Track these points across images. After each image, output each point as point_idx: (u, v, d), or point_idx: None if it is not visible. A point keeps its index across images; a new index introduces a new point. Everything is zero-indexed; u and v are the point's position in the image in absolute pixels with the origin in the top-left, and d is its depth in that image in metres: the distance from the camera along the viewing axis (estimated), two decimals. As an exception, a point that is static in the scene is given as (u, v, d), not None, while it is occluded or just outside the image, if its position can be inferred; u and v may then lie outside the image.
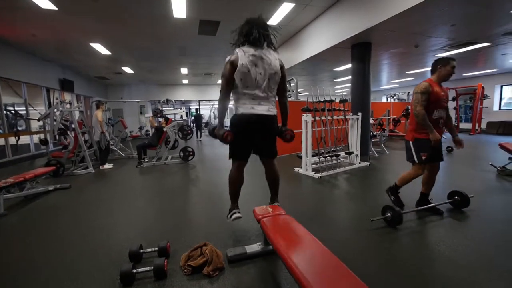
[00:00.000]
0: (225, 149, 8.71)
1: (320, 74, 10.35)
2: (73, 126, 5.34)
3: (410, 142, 2.61)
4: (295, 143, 6.89)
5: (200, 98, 16.26)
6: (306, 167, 4.48)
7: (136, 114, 13.02)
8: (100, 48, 7.08)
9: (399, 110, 8.85)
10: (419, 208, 2.61)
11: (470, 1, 3.54)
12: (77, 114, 7.10)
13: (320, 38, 5.74)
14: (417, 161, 2.55)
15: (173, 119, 6.30)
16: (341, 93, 18.69)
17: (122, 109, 12.39)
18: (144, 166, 5.64)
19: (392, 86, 14.87)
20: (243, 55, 1.79)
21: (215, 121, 2.26)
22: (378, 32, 4.57)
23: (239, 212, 2.09)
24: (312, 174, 4.32)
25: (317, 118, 4.45)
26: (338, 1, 4.82)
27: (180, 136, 5.81)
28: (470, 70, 9.80)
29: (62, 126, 5.37)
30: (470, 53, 6.63)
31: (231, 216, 2.07)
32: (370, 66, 5.18)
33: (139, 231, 2.42)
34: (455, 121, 11.10)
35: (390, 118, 7.92)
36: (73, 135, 5.59)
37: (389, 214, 2.35)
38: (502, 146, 4.08)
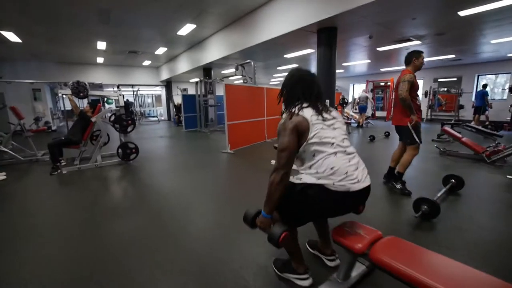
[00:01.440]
0: (167, 142, 7.37)
1: (264, 61, 10.00)
2: None
3: (410, 126, 2.74)
4: (258, 131, 6.46)
5: (120, 82, 13.45)
6: (288, 160, 4.05)
7: (28, 101, 9.55)
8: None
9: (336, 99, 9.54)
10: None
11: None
12: None
13: (283, 20, 5.27)
14: (419, 142, 2.75)
15: (102, 107, 4.72)
16: (277, 82, 19.08)
17: (3, 94, 8.84)
18: (64, 172, 4.00)
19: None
20: (308, 110, 1.29)
21: (252, 209, 1.44)
22: (348, 17, 4.44)
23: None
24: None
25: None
26: (311, -23, 4.44)
27: (118, 128, 4.36)
28: (386, 66, 11.49)
29: None
30: (399, 50, 7.57)
31: (300, 279, 1.47)
32: (336, 52, 5.11)
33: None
34: (372, 110, 12.96)
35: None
36: None
37: (426, 207, 2.17)
38: (445, 131, 4.70)
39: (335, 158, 1.22)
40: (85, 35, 7.43)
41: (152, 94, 19.58)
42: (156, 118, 16.59)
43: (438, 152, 4.79)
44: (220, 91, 11.25)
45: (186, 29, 7.24)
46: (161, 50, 9.88)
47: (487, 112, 8.77)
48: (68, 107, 10.02)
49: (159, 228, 2.18)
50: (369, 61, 9.92)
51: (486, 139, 5.68)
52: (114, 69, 12.90)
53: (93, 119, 4.27)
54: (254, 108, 6.23)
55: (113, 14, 5.91)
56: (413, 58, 2.73)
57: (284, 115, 1.34)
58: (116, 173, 4.03)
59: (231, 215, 2.40)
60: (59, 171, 4.01)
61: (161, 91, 16.81)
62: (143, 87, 15.00)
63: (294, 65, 10.77)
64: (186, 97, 9.92)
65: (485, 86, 8.95)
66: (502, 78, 10.79)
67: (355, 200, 1.29)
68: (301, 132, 1.24)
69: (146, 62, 12.44)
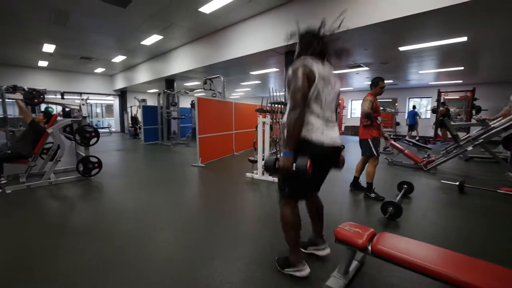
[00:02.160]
0: (128, 155, 6.97)
1: (228, 76, 10.22)
2: None
3: (369, 140, 3.20)
4: (227, 145, 6.49)
5: (65, 89, 12.10)
6: (263, 172, 4.23)
7: None
8: None
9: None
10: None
11: (383, 31, 4.48)
12: None
13: (254, 40, 5.61)
14: (376, 155, 3.18)
15: (59, 117, 4.25)
16: (237, 97, 19.39)
17: None
18: (9, 191, 3.44)
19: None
20: (316, 65, 1.46)
21: (271, 152, 1.58)
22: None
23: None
24: (271, 179, 4.11)
25: (270, 120, 4.30)
26: (282, 5, 4.89)
27: (79, 141, 3.96)
28: (336, 86, 12.87)
29: None
30: (350, 73, 8.66)
31: (298, 271, 1.63)
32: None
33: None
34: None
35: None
36: None
37: (391, 209, 2.56)
38: (392, 144, 5.51)
39: (318, 120, 1.48)
40: (32, 34, 6.63)
41: (101, 104, 17.95)
42: (107, 130, 15.18)
43: (387, 162, 5.56)
44: (183, 103, 11.03)
45: (152, 39, 7.07)
46: (119, 58, 9.33)
47: (417, 126, 10.54)
48: (-1, 115, 8.57)
49: (133, 254, 2.07)
50: (324, 81, 10.99)
51: (419, 151, 6.81)
52: (59, 74, 11.59)
53: (49, 130, 3.81)
54: (223, 121, 6.32)
55: (73, 17, 5.47)
56: (372, 87, 3.25)
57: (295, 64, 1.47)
58: (77, 190, 3.62)
59: (221, 231, 2.42)
60: (0, 190, 3.43)
61: (113, 101, 15.58)
62: (92, 95, 13.70)
63: (257, 82, 11.24)
64: (147, 108, 9.45)
65: (414, 107, 10.77)
66: (425, 101, 13.10)
67: (331, 156, 1.57)
68: (311, 78, 1.42)
69: (99, 69, 11.52)
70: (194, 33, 6.70)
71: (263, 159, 4.23)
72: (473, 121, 6.86)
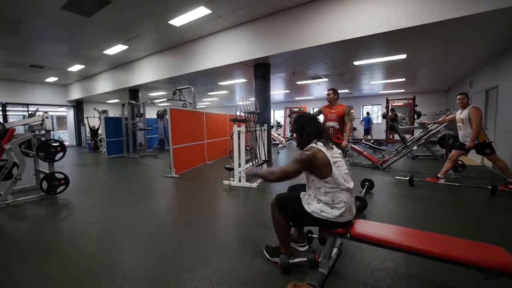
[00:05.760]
0: (93, 170, 6.50)
1: (196, 86, 10.23)
2: None
3: None
4: (199, 154, 6.49)
5: (8, 100, 10.82)
6: (240, 178, 4.40)
7: None
8: None
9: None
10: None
11: (339, 49, 5.08)
12: None
13: (223, 52, 5.82)
14: None
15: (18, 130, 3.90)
16: (203, 106, 19.28)
17: None
18: (-42, 217, 3.06)
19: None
20: (322, 146, 1.67)
21: None
22: (278, 57, 5.39)
23: None
24: (248, 184, 4.31)
25: (246, 129, 4.54)
26: (250, 21, 5.23)
27: (43, 156, 3.69)
28: (300, 96, 13.75)
29: None
30: (311, 84, 9.39)
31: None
32: (270, 84, 6.02)
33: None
34: (291, 133, 14.95)
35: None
36: None
37: (359, 203, 2.95)
38: (353, 148, 6.16)
39: (347, 194, 1.64)
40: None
41: (52, 116, 16.26)
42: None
43: (349, 164, 6.17)
44: (148, 113, 10.65)
45: (116, 49, 6.85)
46: (76, 67, 8.73)
47: (371, 131, 11.77)
48: None
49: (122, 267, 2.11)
50: (288, 91, 11.68)
51: (375, 152, 7.66)
52: (0, 83, 10.32)
53: (6, 146, 3.49)
54: (195, 131, 6.36)
55: (27, 26, 5.08)
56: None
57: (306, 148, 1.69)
58: (41, 211, 3.35)
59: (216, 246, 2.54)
60: None
61: (66, 112, 14.27)
62: (43, 107, 12.41)
63: (224, 91, 11.45)
64: (110, 120, 8.95)
65: (368, 113, 12.04)
66: (376, 108, 14.68)
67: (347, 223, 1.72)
68: (319, 164, 1.60)
69: (51, 79, 10.57)
70: (162, 44, 6.68)
71: (239, 166, 4.41)
72: (416, 124, 7.98)
